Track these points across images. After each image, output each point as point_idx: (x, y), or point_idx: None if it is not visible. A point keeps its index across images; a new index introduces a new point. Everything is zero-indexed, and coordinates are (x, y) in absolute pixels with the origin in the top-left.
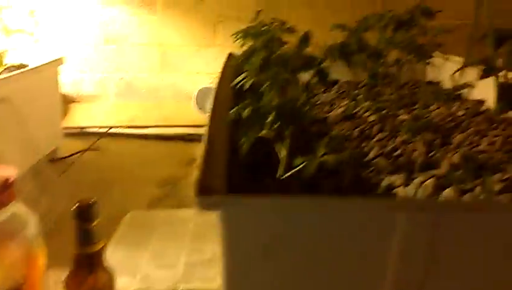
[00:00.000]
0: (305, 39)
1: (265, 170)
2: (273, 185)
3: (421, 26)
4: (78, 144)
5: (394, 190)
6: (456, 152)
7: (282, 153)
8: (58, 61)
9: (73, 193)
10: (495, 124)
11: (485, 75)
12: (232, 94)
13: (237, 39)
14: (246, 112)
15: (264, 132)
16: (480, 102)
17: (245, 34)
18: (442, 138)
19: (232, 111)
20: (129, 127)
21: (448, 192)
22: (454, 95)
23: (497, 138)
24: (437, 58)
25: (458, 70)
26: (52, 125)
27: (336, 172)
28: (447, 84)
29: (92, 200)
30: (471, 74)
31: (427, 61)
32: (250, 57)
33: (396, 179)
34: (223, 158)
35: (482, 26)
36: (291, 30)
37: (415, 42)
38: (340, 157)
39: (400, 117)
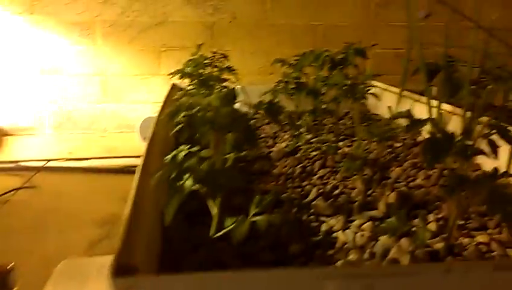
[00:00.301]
0: (231, 97)
1: (202, 221)
2: (208, 244)
3: (355, 65)
4: (13, 180)
5: (334, 234)
6: (394, 189)
7: (214, 211)
8: None
9: (3, 240)
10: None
11: (410, 128)
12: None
13: (173, 77)
14: (172, 175)
15: (196, 186)
16: (419, 132)
17: (182, 74)
18: (380, 172)
19: (156, 175)
20: (68, 159)
21: (384, 239)
22: (389, 134)
23: (433, 171)
24: (377, 88)
25: (391, 119)
26: None
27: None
28: (385, 112)
29: (10, 265)
30: (407, 103)
31: (361, 102)
32: (175, 115)
33: (336, 222)
34: (151, 222)
35: (415, 59)
36: (230, 69)
37: (348, 83)
38: (271, 219)
39: (341, 151)
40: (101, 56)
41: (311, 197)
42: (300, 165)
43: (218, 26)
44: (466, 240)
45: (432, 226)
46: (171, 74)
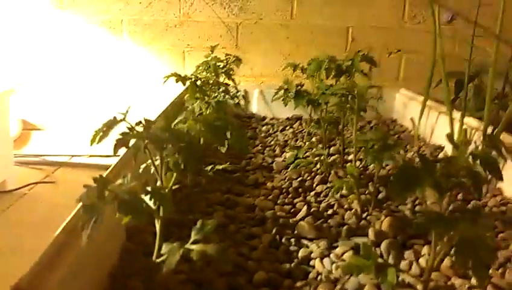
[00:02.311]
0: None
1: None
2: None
3: (364, 73)
4: (34, 174)
5: (311, 262)
6: (392, 213)
7: (158, 232)
8: (7, 92)
9: (15, 232)
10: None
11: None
12: None
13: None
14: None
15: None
16: (441, 147)
17: (176, 78)
18: (387, 191)
19: (80, 195)
20: (91, 156)
21: (360, 275)
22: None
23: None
24: (404, 97)
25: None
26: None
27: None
28: (408, 123)
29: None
30: (433, 115)
31: (359, 117)
32: (109, 128)
33: (316, 248)
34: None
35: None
36: (228, 74)
37: (345, 93)
38: (207, 249)
39: (349, 165)
40: (127, 54)
41: (299, 216)
42: (300, 178)
43: (243, 27)
44: (459, 281)
45: (423, 261)
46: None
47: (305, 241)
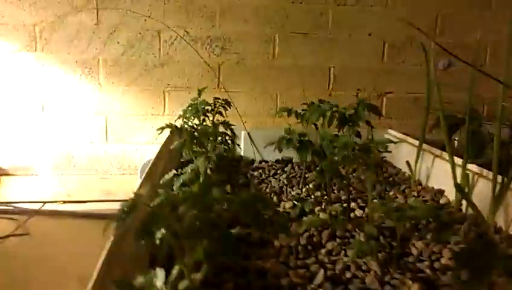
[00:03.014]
0: (207, 190)
1: None
2: None
3: (367, 122)
4: (6, 225)
5: None
6: (415, 272)
7: None
8: None
9: None
10: (457, 225)
11: None
12: None
13: (161, 133)
14: None
15: None
16: (441, 191)
17: (172, 130)
18: (400, 246)
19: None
20: (66, 202)
21: None
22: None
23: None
24: (391, 136)
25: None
26: None
27: None
28: (403, 166)
29: None
30: (427, 158)
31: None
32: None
33: None
34: None
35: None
36: (227, 124)
37: (357, 148)
38: None
39: (353, 214)
40: (104, 95)
41: (317, 281)
42: (307, 233)
43: (226, 67)
44: None
45: None
46: (159, 129)
47: None
